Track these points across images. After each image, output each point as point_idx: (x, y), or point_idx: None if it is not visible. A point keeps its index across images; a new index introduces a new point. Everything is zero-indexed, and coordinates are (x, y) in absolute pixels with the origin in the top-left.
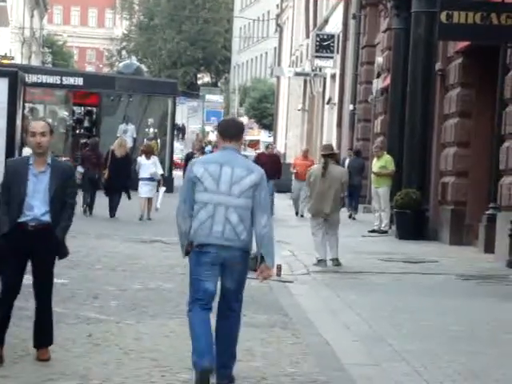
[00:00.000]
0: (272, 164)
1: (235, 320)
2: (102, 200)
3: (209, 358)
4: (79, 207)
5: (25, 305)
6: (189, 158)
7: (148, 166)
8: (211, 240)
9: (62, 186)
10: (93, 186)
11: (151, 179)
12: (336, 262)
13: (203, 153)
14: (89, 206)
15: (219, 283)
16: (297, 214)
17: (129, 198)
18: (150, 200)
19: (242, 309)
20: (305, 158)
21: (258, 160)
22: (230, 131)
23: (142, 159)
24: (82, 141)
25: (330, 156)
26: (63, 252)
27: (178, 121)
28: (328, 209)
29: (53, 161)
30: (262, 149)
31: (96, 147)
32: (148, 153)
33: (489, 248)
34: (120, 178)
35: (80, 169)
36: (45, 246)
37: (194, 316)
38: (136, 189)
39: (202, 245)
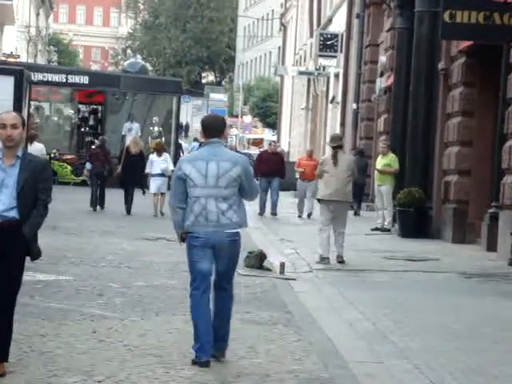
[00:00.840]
0: (275, 162)
1: (228, 298)
2: (110, 196)
3: (208, 354)
4: (84, 203)
5: (29, 301)
6: None
7: (159, 163)
8: (206, 228)
9: (32, 180)
10: (100, 181)
11: (162, 175)
12: (340, 258)
13: None
14: (99, 200)
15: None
16: (300, 216)
17: (143, 193)
18: (162, 194)
19: (245, 306)
20: (309, 158)
21: (261, 158)
22: (213, 127)
23: (153, 156)
24: (88, 139)
25: (339, 147)
26: (35, 252)
27: (183, 119)
28: (339, 196)
29: (24, 154)
30: (266, 147)
31: (104, 144)
32: (159, 150)
33: (491, 246)
34: (135, 175)
35: (88, 165)
36: (11, 244)
37: (194, 301)
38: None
39: (198, 232)
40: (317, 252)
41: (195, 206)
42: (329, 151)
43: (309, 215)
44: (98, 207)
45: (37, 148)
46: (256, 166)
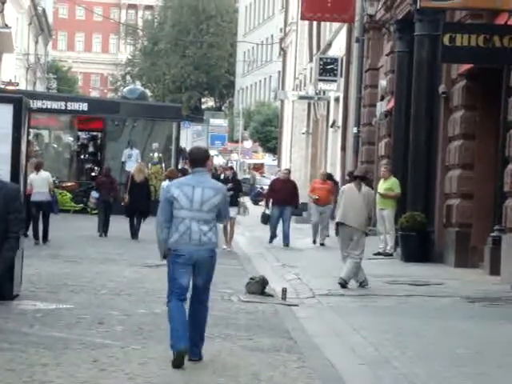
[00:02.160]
0: (288, 190)
1: (205, 310)
2: (113, 223)
3: (184, 342)
4: (84, 231)
5: (29, 330)
6: None
7: None
8: (190, 247)
9: (3, 210)
10: (107, 209)
11: None
12: (343, 281)
13: (213, 174)
14: (104, 228)
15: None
16: (314, 242)
17: (143, 219)
18: None
19: (248, 332)
20: (323, 181)
21: (273, 186)
22: (199, 158)
23: (165, 184)
24: (87, 166)
25: (362, 178)
26: (6, 289)
27: (183, 145)
28: (355, 223)
29: None
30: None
31: (110, 173)
32: (171, 177)
33: (494, 270)
34: (140, 202)
35: (95, 194)
36: None
37: (172, 307)
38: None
39: (181, 250)
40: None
41: (180, 226)
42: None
43: (322, 244)
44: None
45: (43, 176)
46: (268, 194)
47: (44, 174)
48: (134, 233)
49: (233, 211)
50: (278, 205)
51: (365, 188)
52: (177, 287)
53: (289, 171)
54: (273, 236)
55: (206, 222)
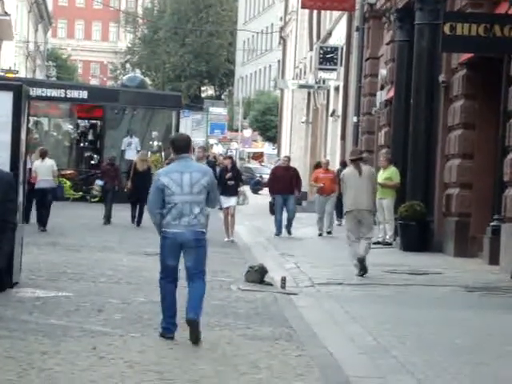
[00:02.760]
0: (290, 177)
1: (199, 285)
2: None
3: (173, 328)
4: (84, 219)
5: (28, 318)
6: None
7: None
8: (180, 228)
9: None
10: (111, 197)
11: None
12: (361, 260)
13: (208, 162)
14: (107, 215)
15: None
16: (320, 234)
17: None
18: None
19: (247, 321)
20: (326, 170)
21: (274, 174)
22: (182, 145)
23: None
24: (87, 154)
25: (359, 159)
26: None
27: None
28: (364, 205)
29: None
30: (269, 161)
31: (114, 162)
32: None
33: (493, 260)
34: (142, 191)
35: (99, 182)
36: None
37: (162, 285)
38: None
39: (172, 232)
40: (346, 265)
41: (173, 210)
42: (348, 166)
43: (328, 232)
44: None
45: (48, 164)
46: (270, 184)
47: (49, 162)
48: (138, 220)
49: (233, 201)
50: (281, 193)
51: (365, 167)
52: (165, 268)
53: (289, 158)
54: (279, 228)
55: (198, 204)
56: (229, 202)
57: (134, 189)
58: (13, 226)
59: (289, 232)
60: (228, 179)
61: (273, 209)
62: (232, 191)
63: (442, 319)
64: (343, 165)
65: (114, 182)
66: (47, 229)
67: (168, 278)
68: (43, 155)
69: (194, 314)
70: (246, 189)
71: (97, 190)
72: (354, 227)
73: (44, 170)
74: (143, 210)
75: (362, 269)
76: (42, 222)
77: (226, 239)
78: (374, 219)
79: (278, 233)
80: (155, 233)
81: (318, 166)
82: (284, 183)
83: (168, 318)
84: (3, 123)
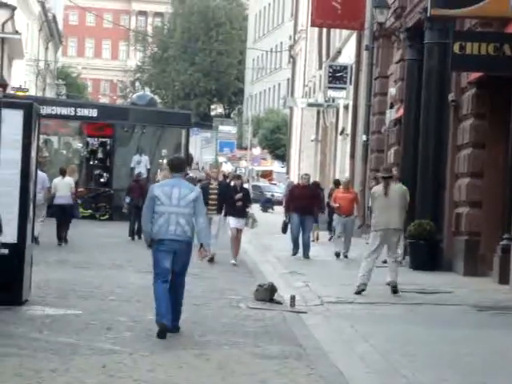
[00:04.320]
0: (309, 197)
1: (182, 288)
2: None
3: (167, 318)
4: (93, 237)
5: (38, 336)
6: (204, 188)
7: None
8: (167, 236)
9: None
10: (136, 213)
11: None
12: (394, 287)
13: (220, 182)
14: (137, 231)
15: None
16: (338, 255)
17: None
18: None
19: (256, 340)
20: (346, 190)
21: (292, 193)
22: (177, 165)
23: None
24: (96, 172)
25: (390, 178)
26: None
27: (192, 151)
28: (391, 224)
29: None
30: (278, 180)
31: (139, 179)
32: None
33: (503, 279)
34: None
35: (127, 199)
36: None
37: (157, 287)
38: None
39: (162, 239)
40: (377, 287)
41: (160, 220)
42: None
43: (345, 256)
44: (136, 237)
45: (67, 181)
46: (287, 203)
47: (68, 180)
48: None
49: (241, 222)
50: (298, 213)
51: (394, 186)
52: (159, 270)
53: (309, 176)
54: (296, 247)
55: (184, 216)
56: (237, 223)
57: None
58: None
59: (306, 256)
60: (237, 200)
61: (286, 228)
62: (241, 213)
63: (452, 338)
64: (336, 184)
65: (139, 199)
66: (67, 244)
67: (162, 279)
68: (64, 173)
69: (173, 325)
70: (254, 209)
71: (125, 208)
72: (377, 246)
73: (63, 187)
74: None
75: (395, 292)
76: (61, 237)
77: (232, 261)
78: (400, 238)
79: (295, 252)
80: None
81: (337, 184)
82: (302, 203)
83: (163, 314)
84: (14, 141)
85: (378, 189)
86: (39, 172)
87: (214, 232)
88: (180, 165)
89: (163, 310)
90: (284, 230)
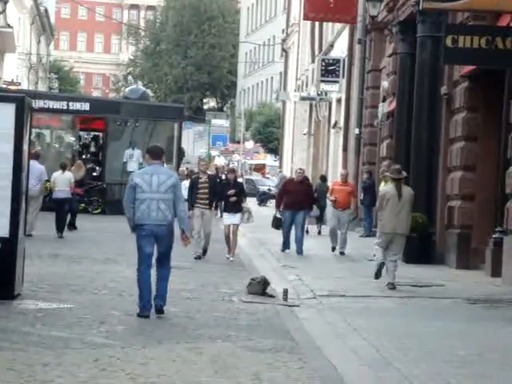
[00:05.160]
0: (302, 192)
1: (167, 269)
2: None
3: (146, 301)
4: (85, 231)
5: (30, 330)
6: (193, 182)
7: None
8: (149, 221)
9: None
10: None
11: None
12: (391, 285)
13: (210, 176)
14: None
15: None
16: (333, 249)
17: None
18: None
19: (248, 333)
20: (344, 183)
21: (286, 188)
22: (156, 153)
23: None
24: (89, 166)
25: (401, 179)
26: None
27: (184, 145)
28: (399, 229)
29: None
30: (271, 173)
31: None
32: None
33: (496, 272)
34: None
35: None
36: None
37: (141, 276)
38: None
39: (144, 224)
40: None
41: (142, 206)
42: (388, 183)
43: (341, 253)
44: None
45: (67, 176)
46: (278, 197)
47: (68, 174)
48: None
49: (236, 218)
50: (291, 209)
51: (405, 189)
52: (143, 255)
53: (303, 171)
54: (286, 243)
55: (164, 201)
56: (231, 219)
57: None
58: None
59: (299, 252)
60: (231, 195)
61: (276, 223)
62: (235, 208)
63: (444, 331)
64: (323, 179)
65: None
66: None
67: (144, 264)
68: (64, 167)
69: (162, 303)
70: (250, 203)
71: None
72: (384, 246)
73: (63, 181)
74: None
75: (392, 288)
76: (60, 228)
77: (227, 256)
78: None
79: (284, 248)
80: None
81: (323, 179)
82: (295, 198)
83: (145, 300)
84: (6, 135)
85: (390, 190)
86: (38, 164)
87: (208, 230)
88: (158, 153)
89: (145, 300)
90: (277, 226)
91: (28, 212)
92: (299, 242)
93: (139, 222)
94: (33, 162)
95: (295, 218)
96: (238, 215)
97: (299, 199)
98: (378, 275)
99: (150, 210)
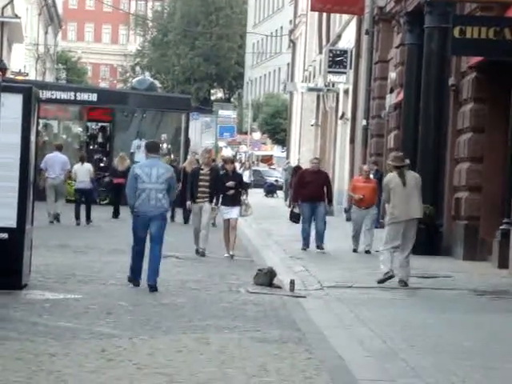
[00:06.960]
0: (319, 183)
1: (159, 248)
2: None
3: (137, 276)
4: (102, 222)
5: (37, 320)
6: (194, 173)
7: None
8: (149, 208)
9: None
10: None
11: None
12: (403, 283)
13: (212, 168)
14: (171, 215)
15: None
16: (355, 250)
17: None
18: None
19: (255, 324)
20: (367, 179)
21: (302, 178)
22: (153, 148)
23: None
24: (96, 156)
25: (404, 166)
26: None
27: (192, 136)
28: (413, 213)
29: None
30: (278, 164)
31: (175, 164)
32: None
33: (503, 263)
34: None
35: None
36: None
37: (134, 251)
38: None
39: (142, 211)
40: (377, 271)
41: (143, 195)
42: (390, 172)
43: (367, 251)
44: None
45: (86, 167)
46: (295, 190)
47: (87, 166)
48: (186, 219)
49: (235, 212)
50: (309, 201)
51: (409, 174)
52: (137, 237)
53: (319, 160)
54: (307, 240)
55: (161, 191)
56: (230, 213)
57: (182, 190)
58: None
59: (319, 247)
60: (229, 188)
61: (295, 217)
62: (234, 201)
63: (451, 323)
64: (296, 170)
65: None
66: (92, 223)
67: (139, 245)
68: (82, 159)
69: (153, 281)
70: (257, 195)
71: None
72: (395, 237)
73: (83, 173)
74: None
75: (405, 285)
76: (78, 216)
77: (226, 254)
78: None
79: (305, 246)
80: (168, 235)
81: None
82: (312, 189)
83: (137, 271)
84: (13, 125)
85: (394, 179)
86: (60, 155)
87: (205, 221)
88: (155, 147)
89: (137, 268)
90: (297, 220)
91: (54, 200)
92: (320, 236)
93: (140, 209)
94: (57, 153)
95: (316, 211)
96: (237, 209)
97: (316, 190)
98: (382, 282)
99: (149, 199)
